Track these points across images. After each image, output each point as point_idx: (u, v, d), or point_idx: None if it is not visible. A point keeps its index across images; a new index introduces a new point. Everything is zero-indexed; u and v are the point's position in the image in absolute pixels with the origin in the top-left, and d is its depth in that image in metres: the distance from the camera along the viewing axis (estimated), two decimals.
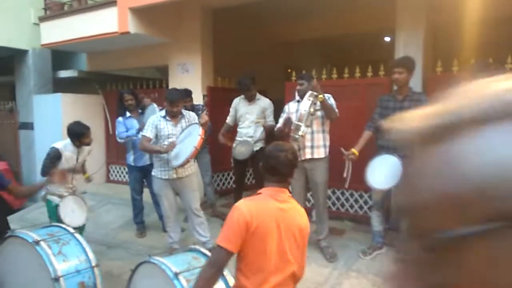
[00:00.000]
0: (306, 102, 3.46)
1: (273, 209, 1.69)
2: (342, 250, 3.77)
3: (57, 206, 3.29)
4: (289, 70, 4.96)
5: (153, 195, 4.20)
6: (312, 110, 3.45)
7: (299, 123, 3.45)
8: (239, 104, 4.53)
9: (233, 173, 5.31)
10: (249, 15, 6.68)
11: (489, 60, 3.41)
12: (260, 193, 1.77)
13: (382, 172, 3.37)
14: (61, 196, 3.35)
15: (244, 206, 1.67)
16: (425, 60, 4.32)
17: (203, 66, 5.54)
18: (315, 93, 3.41)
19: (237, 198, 4.08)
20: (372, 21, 6.55)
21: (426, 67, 4.31)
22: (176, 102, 3.50)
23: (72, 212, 3.31)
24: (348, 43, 8.84)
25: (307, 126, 3.48)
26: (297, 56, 8.87)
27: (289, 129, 3.52)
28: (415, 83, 4.02)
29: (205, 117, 3.49)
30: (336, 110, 3.63)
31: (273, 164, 1.76)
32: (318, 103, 3.46)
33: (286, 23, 7.56)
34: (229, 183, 5.97)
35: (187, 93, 4.58)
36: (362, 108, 4.41)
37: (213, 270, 1.62)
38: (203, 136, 3.25)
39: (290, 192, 1.84)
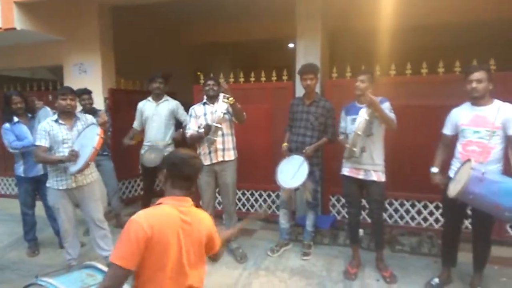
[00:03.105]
0: (222, 104, 3.49)
1: (175, 221, 1.60)
2: (252, 250, 3.85)
3: None
4: (199, 73, 4.93)
5: (48, 208, 3.80)
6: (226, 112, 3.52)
7: (217, 125, 3.45)
8: (145, 106, 4.35)
9: (141, 180, 5.08)
10: (157, 16, 6.49)
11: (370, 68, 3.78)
12: (161, 203, 1.66)
13: (290, 171, 3.53)
14: None
15: (143, 219, 1.53)
16: (323, 66, 4.65)
17: (103, 67, 5.20)
18: (227, 96, 3.45)
19: (145, 206, 3.89)
20: (278, 28, 6.89)
21: (323, 72, 4.64)
22: (67, 95, 3.19)
23: None
24: (257, 49, 9.14)
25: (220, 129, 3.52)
26: (207, 60, 8.88)
27: (206, 133, 3.50)
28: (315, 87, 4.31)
29: (103, 116, 3.26)
30: (244, 113, 3.70)
31: (186, 171, 1.67)
32: (228, 105, 3.50)
33: (196, 26, 7.53)
34: (136, 190, 5.69)
35: (84, 90, 4.26)
36: (268, 111, 4.59)
37: None
38: (102, 136, 3.02)
39: (193, 200, 1.77)
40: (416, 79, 4.03)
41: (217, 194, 4.17)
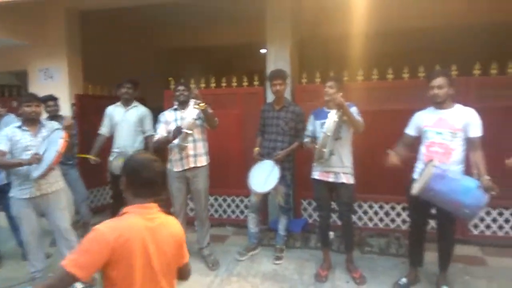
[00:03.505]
0: (193, 110, 3.46)
1: (140, 230, 1.53)
2: (224, 256, 3.84)
3: None
4: (170, 79, 4.87)
5: (11, 219, 3.64)
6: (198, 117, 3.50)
7: (188, 131, 3.43)
8: (114, 111, 4.26)
9: (110, 188, 4.96)
10: (127, 20, 6.39)
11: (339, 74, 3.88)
12: (125, 213, 1.58)
13: (262, 176, 3.55)
14: None
15: (108, 230, 1.46)
16: (293, 72, 4.72)
17: (70, 72, 5.07)
18: (198, 101, 3.43)
19: (115, 215, 3.79)
20: (250, 33, 6.91)
21: (294, 78, 4.71)
22: (32, 101, 3.10)
23: None
24: (230, 54, 9.13)
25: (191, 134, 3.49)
26: (180, 65, 8.80)
27: (174, 138, 3.46)
28: (285, 93, 4.36)
29: (69, 120, 3.18)
30: (216, 119, 3.69)
31: (147, 176, 1.59)
32: (199, 111, 3.48)
33: (168, 31, 7.46)
34: (105, 198, 5.56)
35: (49, 97, 4.14)
36: (239, 116, 4.60)
37: None
38: (67, 139, 2.93)
39: (160, 206, 1.72)
40: (383, 84, 4.15)
41: (189, 201, 4.13)
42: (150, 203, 1.64)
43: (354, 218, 4.18)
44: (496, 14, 5.42)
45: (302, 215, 4.58)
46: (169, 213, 1.78)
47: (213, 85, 4.77)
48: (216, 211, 4.84)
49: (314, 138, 3.36)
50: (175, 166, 3.62)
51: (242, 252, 3.83)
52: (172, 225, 1.71)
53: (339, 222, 3.61)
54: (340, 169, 3.25)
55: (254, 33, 6.68)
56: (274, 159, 3.56)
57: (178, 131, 3.43)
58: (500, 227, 3.96)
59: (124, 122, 4.17)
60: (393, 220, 4.26)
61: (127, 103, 4.23)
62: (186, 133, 3.44)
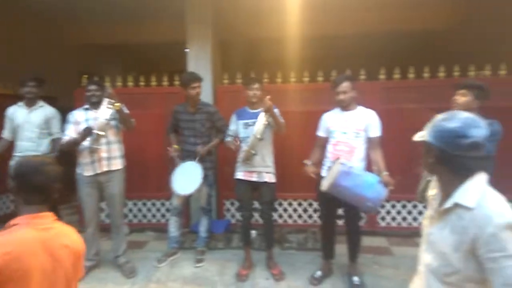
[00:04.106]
0: (106, 110, 3.26)
1: (34, 243, 1.38)
2: (143, 263, 3.68)
3: None
4: (84, 76, 4.52)
5: None
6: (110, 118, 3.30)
7: (100, 132, 3.21)
8: (15, 112, 3.84)
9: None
10: (36, 13, 5.83)
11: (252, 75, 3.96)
12: (15, 224, 1.42)
13: (185, 178, 3.47)
14: None
15: None
16: (215, 73, 4.70)
17: None
18: (112, 101, 3.23)
19: None
20: (173, 32, 6.71)
21: (215, 78, 4.69)
22: None
23: None
24: (153, 52, 8.82)
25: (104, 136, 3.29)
26: (97, 62, 8.27)
27: (83, 139, 3.22)
28: (207, 93, 4.34)
29: None
30: (132, 119, 3.52)
31: (38, 181, 1.44)
32: (114, 111, 3.29)
33: (82, 25, 6.94)
34: (8, 207, 5.00)
35: None
36: (160, 116, 4.45)
37: None
38: None
39: (56, 215, 1.56)
40: (299, 87, 4.33)
41: (106, 206, 3.89)
42: (44, 212, 1.48)
43: (275, 215, 4.29)
44: (406, 23, 5.95)
45: (225, 215, 4.58)
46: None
47: (130, 83, 4.56)
48: (135, 216, 4.63)
49: (237, 137, 3.38)
50: (85, 170, 3.38)
51: (161, 259, 3.70)
52: (69, 235, 1.56)
53: (260, 221, 3.69)
54: (263, 168, 3.33)
55: (179, 32, 6.55)
56: (196, 154, 3.54)
57: (88, 132, 3.22)
58: (404, 219, 4.36)
59: (28, 124, 3.79)
60: (310, 216, 4.46)
61: (31, 103, 3.85)
62: (98, 134, 3.24)
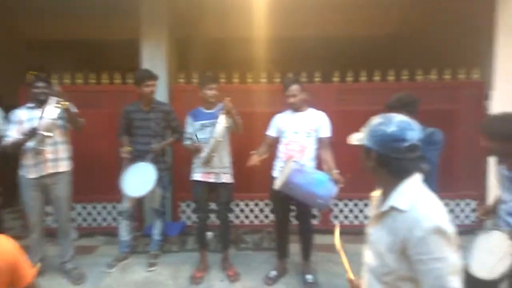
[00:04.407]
0: (53, 109, 3.08)
1: None
2: (92, 269, 3.51)
3: None
4: (30, 73, 4.24)
5: None
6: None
7: (45, 133, 3.03)
8: None
9: None
10: None
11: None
12: None
13: (137, 179, 3.35)
14: None
15: None
16: (170, 71, 4.60)
17: None
18: (59, 99, 3.07)
19: None
20: (125, 29, 6.50)
21: (171, 77, 4.59)
22: None
23: None
24: (106, 49, 8.48)
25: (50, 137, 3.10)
26: (46, 59, 7.82)
27: (26, 140, 3.02)
28: (162, 92, 4.23)
29: None
30: (81, 119, 3.36)
31: None
32: (61, 110, 3.12)
33: (30, 20, 6.52)
34: None
35: None
36: (111, 115, 4.27)
37: None
38: None
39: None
40: (256, 87, 4.34)
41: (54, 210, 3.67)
42: None
43: (231, 216, 4.26)
44: (365, 28, 6.15)
45: (180, 218, 4.49)
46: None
47: (79, 81, 4.35)
48: (85, 220, 4.42)
49: (197, 140, 3.30)
50: (29, 173, 3.18)
51: (112, 263, 3.56)
52: (1, 244, 1.46)
53: (217, 222, 3.64)
54: (220, 169, 3.31)
55: (133, 30, 6.34)
56: (149, 152, 3.44)
57: (32, 133, 3.03)
58: (356, 217, 4.50)
59: None
60: (267, 216, 4.48)
61: None
62: (43, 135, 3.05)
